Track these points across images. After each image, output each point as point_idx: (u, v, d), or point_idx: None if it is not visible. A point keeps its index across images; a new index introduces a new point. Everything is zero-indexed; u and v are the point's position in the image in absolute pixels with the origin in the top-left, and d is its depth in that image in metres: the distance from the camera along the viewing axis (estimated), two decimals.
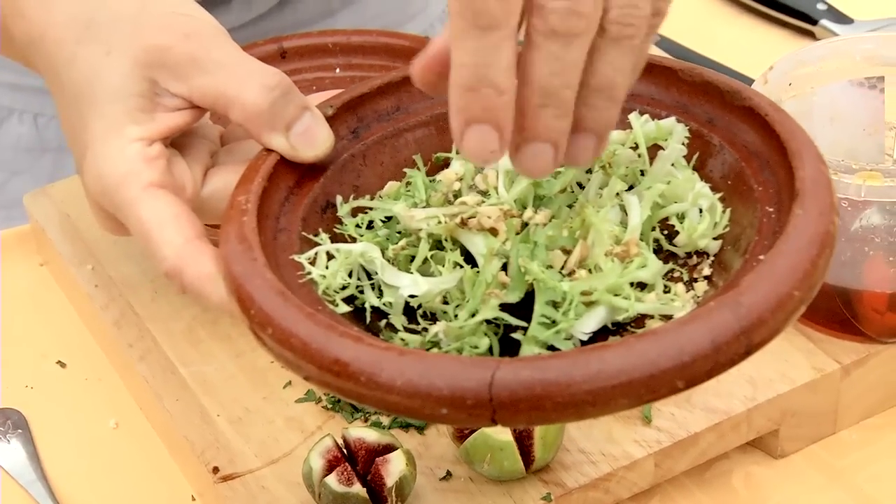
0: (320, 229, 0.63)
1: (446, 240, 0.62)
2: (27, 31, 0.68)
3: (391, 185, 0.66)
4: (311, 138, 0.63)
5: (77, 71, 0.65)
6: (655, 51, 1.10)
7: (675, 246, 0.62)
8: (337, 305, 0.59)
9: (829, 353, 0.83)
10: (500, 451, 0.76)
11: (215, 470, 0.80)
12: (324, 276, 0.60)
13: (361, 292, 0.61)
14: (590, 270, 0.59)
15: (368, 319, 0.61)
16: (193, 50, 0.63)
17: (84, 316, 0.95)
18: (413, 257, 0.62)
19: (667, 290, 0.60)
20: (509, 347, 0.58)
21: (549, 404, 0.52)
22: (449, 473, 0.79)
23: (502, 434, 0.76)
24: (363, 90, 0.67)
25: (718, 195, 0.62)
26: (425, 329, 0.60)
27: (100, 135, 0.64)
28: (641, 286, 0.59)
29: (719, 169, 0.63)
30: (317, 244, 0.62)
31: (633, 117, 0.64)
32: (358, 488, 0.75)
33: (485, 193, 0.64)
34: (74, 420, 0.90)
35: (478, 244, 0.61)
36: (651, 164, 0.63)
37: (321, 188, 0.64)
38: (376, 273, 0.61)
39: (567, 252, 0.59)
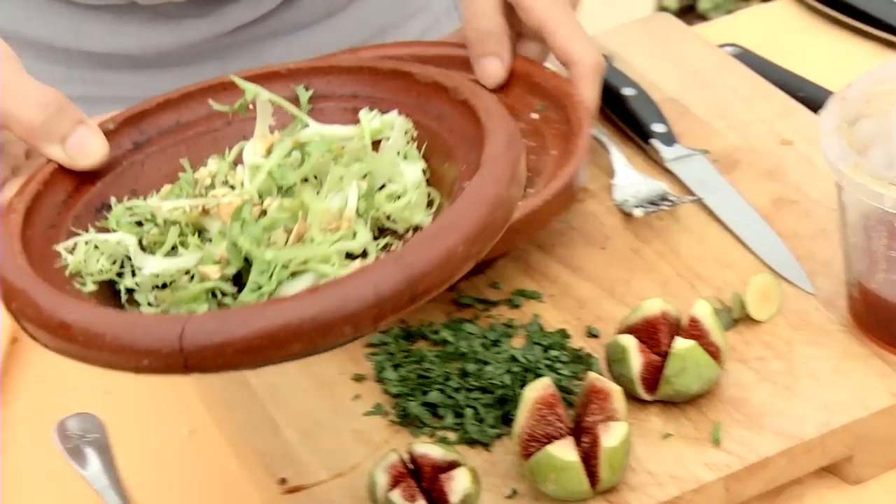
0: (89, 226, 0.73)
1: (187, 226, 0.72)
2: None
3: (166, 188, 0.76)
4: (85, 149, 0.73)
5: None
6: (729, 64, 1.09)
7: (394, 223, 0.72)
8: (85, 285, 0.69)
9: None
10: (565, 471, 0.76)
11: (282, 481, 0.81)
12: (79, 262, 0.70)
13: (122, 276, 0.71)
14: (307, 244, 0.68)
15: (124, 298, 0.70)
16: None
17: None
18: (164, 243, 0.71)
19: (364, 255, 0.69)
20: None
21: (230, 350, 0.60)
22: (514, 492, 0.79)
23: (567, 454, 0.76)
24: (145, 107, 0.78)
25: (423, 174, 0.73)
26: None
27: None
28: (354, 257, 0.69)
29: (444, 154, 0.73)
30: (79, 234, 0.72)
31: (362, 114, 0.76)
32: None
33: (233, 188, 0.74)
34: (150, 427, 0.91)
35: (213, 228, 0.72)
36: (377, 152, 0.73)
37: (97, 192, 0.75)
38: (133, 259, 0.71)
39: (291, 231, 0.69)
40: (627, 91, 1.08)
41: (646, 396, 0.83)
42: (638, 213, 0.97)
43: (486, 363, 0.86)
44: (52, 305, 0.64)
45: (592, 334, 0.89)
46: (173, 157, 0.78)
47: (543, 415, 0.78)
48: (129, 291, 0.71)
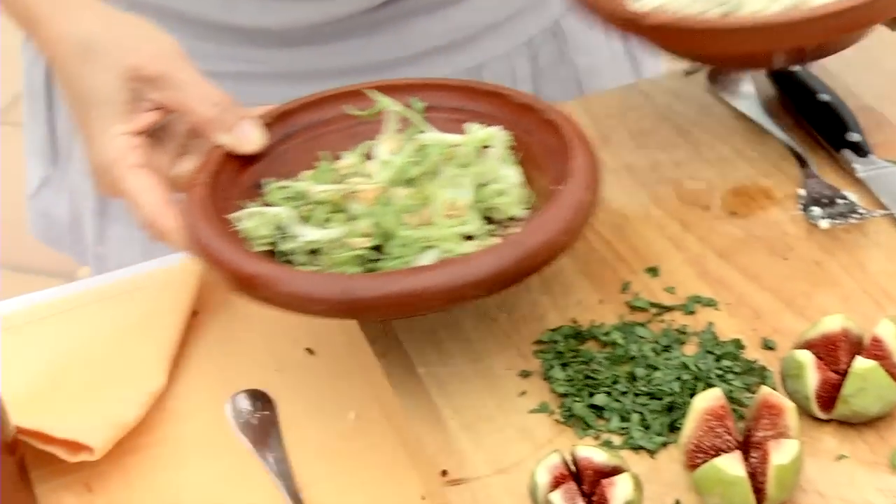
0: (254, 200, 0.90)
1: (337, 206, 0.89)
2: (46, 54, 0.94)
3: (305, 172, 0.93)
4: (248, 137, 0.91)
5: (82, 82, 0.90)
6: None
7: (496, 213, 0.89)
8: (255, 246, 0.87)
9: None
10: (732, 486, 0.74)
11: (444, 473, 0.81)
12: (250, 229, 0.87)
13: (277, 241, 0.87)
14: (432, 227, 0.86)
15: (281, 258, 0.87)
16: (161, 69, 0.89)
17: None
18: (315, 217, 0.89)
19: (489, 242, 0.86)
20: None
21: (385, 303, 0.79)
22: (678, 502, 0.77)
23: (735, 468, 0.74)
24: (291, 107, 0.95)
25: (522, 176, 0.90)
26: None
27: (97, 130, 0.89)
28: (470, 239, 0.87)
29: (533, 162, 0.91)
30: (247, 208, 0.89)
31: (468, 126, 0.92)
32: None
33: (368, 176, 0.91)
34: (317, 407, 0.92)
35: (356, 208, 0.89)
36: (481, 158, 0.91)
37: (256, 173, 0.92)
38: (288, 228, 0.88)
39: (418, 215, 0.87)
40: (822, 97, 1.05)
41: (821, 415, 0.80)
42: (824, 224, 0.94)
43: (655, 368, 0.85)
44: (241, 261, 0.83)
45: (768, 346, 0.86)
46: (312, 149, 0.94)
47: (712, 426, 0.76)
48: (284, 254, 0.87)
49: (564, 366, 0.86)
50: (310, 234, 0.87)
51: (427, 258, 0.85)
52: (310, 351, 0.96)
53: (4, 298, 1.03)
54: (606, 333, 0.88)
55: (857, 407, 0.78)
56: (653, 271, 0.93)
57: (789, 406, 0.77)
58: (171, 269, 1.02)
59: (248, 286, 0.83)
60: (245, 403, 0.92)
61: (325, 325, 0.97)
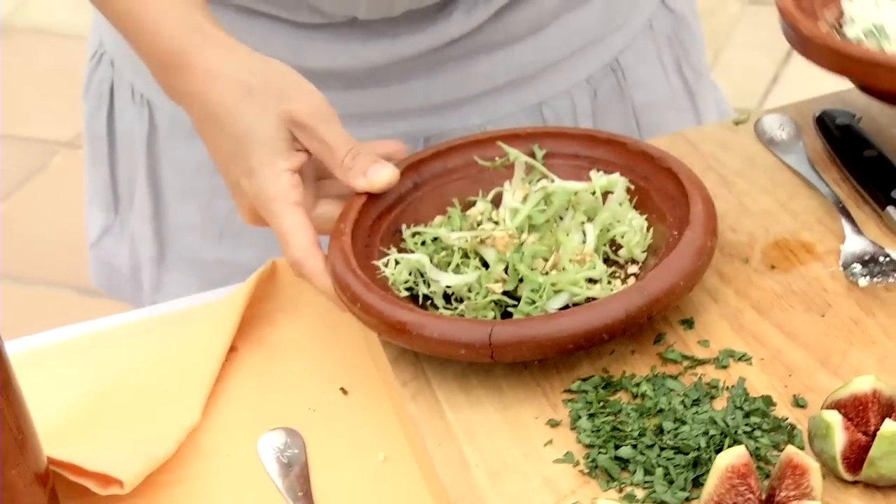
0: (391, 246, 0.97)
1: (470, 252, 0.95)
2: (190, 87, 0.96)
3: (438, 219, 0.99)
4: (381, 176, 0.96)
5: (243, 119, 0.94)
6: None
7: (618, 256, 0.95)
8: (400, 292, 0.93)
9: None
10: None
11: None
12: (392, 274, 0.94)
13: (416, 285, 0.94)
14: (560, 271, 0.93)
15: (420, 301, 0.93)
16: (314, 119, 0.94)
17: (370, 348, 0.98)
18: (450, 262, 0.95)
19: (610, 284, 0.93)
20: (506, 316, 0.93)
21: (525, 347, 0.86)
22: None
23: None
24: (422, 156, 1.00)
25: (645, 221, 0.96)
26: (456, 308, 0.93)
27: (260, 164, 0.94)
28: (594, 281, 0.93)
29: (649, 207, 0.97)
30: (388, 254, 0.95)
31: (592, 174, 0.98)
32: None
33: (497, 223, 0.97)
34: (348, 447, 0.93)
35: (489, 254, 0.95)
36: (604, 203, 0.97)
37: (393, 220, 0.98)
38: (426, 273, 0.94)
39: (547, 260, 0.94)
40: (869, 152, 1.04)
41: (847, 477, 0.79)
42: (863, 282, 0.93)
43: (683, 422, 0.84)
44: (390, 309, 0.89)
45: (799, 404, 0.86)
46: (443, 195, 1.00)
47: (734, 484, 0.76)
48: (426, 298, 0.93)
49: (592, 416, 0.86)
50: (446, 280, 0.93)
51: (558, 302, 0.91)
52: (343, 391, 0.97)
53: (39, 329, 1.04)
54: (637, 385, 0.88)
55: (885, 470, 0.77)
56: (688, 323, 0.93)
57: (814, 467, 0.76)
58: (213, 304, 1.04)
59: (397, 332, 0.88)
60: (277, 441, 0.93)
61: (360, 366, 0.98)
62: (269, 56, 0.97)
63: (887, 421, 0.78)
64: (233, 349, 1.00)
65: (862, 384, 0.81)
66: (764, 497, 0.77)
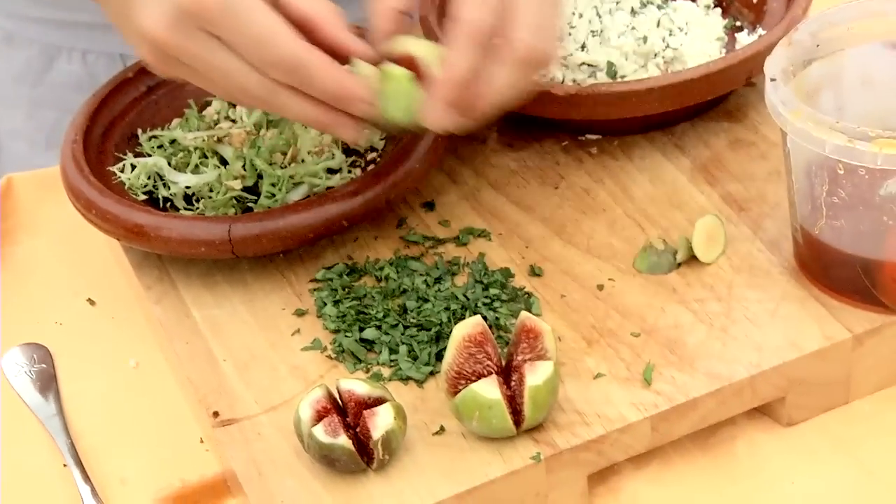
0: (127, 151, 0.96)
1: (208, 151, 0.95)
2: None
3: (175, 121, 0.98)
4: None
5: None
6: None
7: (358, 145, 0.95)
8: (138, 196, 0.93)
9: (842, 322, 0.81)
10: (489, 409, 0.76)
11: (215, 414, 0.81)
12: (129, 179, 0.93)
13: (156, 188, 0.93)
14: (299, 164, 0.94)
15: (161, 204, 0.93)
16: None
17: (113, 255, 0.97)
18: (188, 164, 0.94)
19: (350, 173, 0.94)
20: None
21: (265, 240, 0.86)
22: (442, 428, 0.79)
23: (491, 392, 0.76)
24: None
25: None
26: (197, 207, 0.93)
27: None
28: (334, 171, 0.94)
29: None
30: (123, 160, 0.94)
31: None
32: (344, 440, 0.75)
33: (234, 122, 0.97)
34: (97, 358, 0.92)
35: (227, 152, 0.95)
36: None
37: (127, 125, 0.97)
38: (165, 175, 0.93)
39: (286, 154, 0.94)
40: None
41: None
42: None
43: (426, 300, 0.86)
44: (126, 213, 0.88)
45: (536, 273, 0.89)
46: (179, 97, 0.98)
47: (472, 353, 0.78)
48: (166, 200, 0.93)
49: (337, 302, 0.87)
50: (185, 180, 0.92)
51: (297, 194, 0.92)
52: (91, 302, 0.96)
53: None
54: (381, 269, 0.90)
55: (388, 113, 0.82)
56: (429, 206, 0.95)
57: (546, 329, 0.79)
58: None
59: (136, 235, 0.87)
60: (21, 358, 0.91)
61: (106, 276, 0.97)
62: None
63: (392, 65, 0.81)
64: None
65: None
66: (504, 363, 0.79)
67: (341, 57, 0.82)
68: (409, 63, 0.82)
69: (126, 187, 0.93)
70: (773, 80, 0.82)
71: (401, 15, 0.84)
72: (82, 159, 0.92)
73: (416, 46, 0.83)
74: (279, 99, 0.81)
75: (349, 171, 0.94)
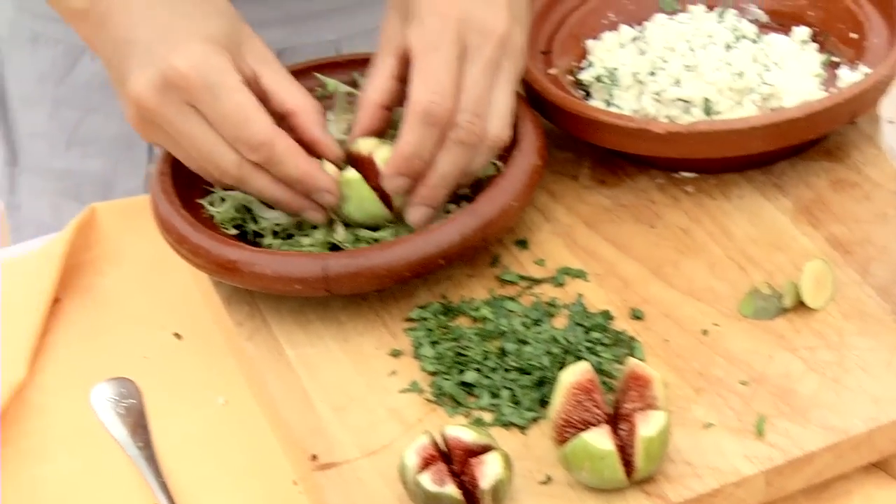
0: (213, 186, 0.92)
1: None
2: None
3: None
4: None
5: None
6: None
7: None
8: (228, 230, 0.91)
9: None
10: (601, 460, 0.74)
11: (314, 457, 0.79)
12: (219, 212, 0.91)
13: (245, 222, 0.92)
14: None
15: (251, 238, 0.91)
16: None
17: (201, 290, 0.95)
18: None
19: (447, 212, 0.91)
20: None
21: (361, 278, 0.85)
22: (549, 478, 0.77)
23: (603, 442, 0.74)
24: None
25: None
26: (290, 245, 0.90)
27: (222, 34, 0.86)
28: None
29: None
30: (212, 192, 0.92)
31: None
32: (451, 489, 0.73)
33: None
34: (185, 394, 0.90)
35: None
36: None
37: None
38: (253, 209, 0.91)
39: None
40: None
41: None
42: None
43: (525, 343, 0.84)
44: (219, 248, 0.86)
45: (636, 316, 0.87)
46: None
47: (580, 400, 0.76)
48: (256, 235, 0.91)
49: (434, 343, 0.85)
50: (275, 217, 0.91)
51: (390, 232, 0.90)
52: (177, 336, 0.94)
53: None
54: (476, 309, 0.88)
55: (346, 211, 0.89)
56: (522, 244, 0.93)
57: (656, 377, 0.77)
58: (31, 255, 0.99)
59: (228, 271, 0.86)
60: (111, 392, 0.90)
61: (193, 309, 0.95)
62: None
63: (349, 169, 0.88)
64: (56, 301, 0.96)
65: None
66: (610, 411, 0.77)
67: (313, 154, 0.88)
68: (368, 162, 0.88)
69: (216, 221, 0.91)
70: (891, 122, 0.79)
71: (385, 111, 0.90)
72: (172, 192, 0.91)
73: (373, 146, 0.89)
74: (250, 177, 0.86)
75: (446, 210, 0.92)
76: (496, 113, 0.87)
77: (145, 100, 0.85)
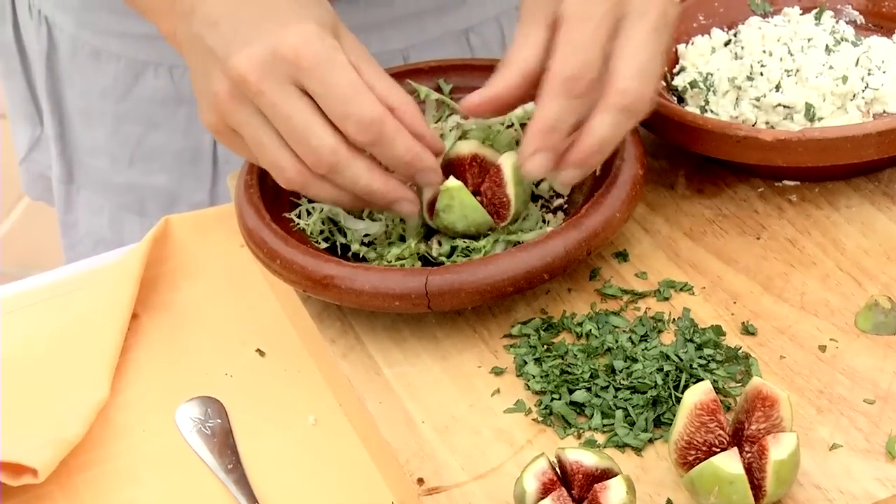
0: (301, 196, 0.89)
1: None
2: None
3: None
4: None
5: None
6: None
7: (540, 190, 0.91)
8: (319, 244, 0.88)
9: None
10: (730, 484, 0.70)
11: (420, 481, 0.76)
12: (308, 225, 0.88)
13: (333, 235, 0.89)
14: None
15: (340, 251, 0.88)
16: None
17: (285, 304, 0.92)
18: (363, 210, 0.89)
19: (545, 222, 0.89)
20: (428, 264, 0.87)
21: (463, 293, 0.81)
22: (669, 502, 0.73)
23: (733, 466, 0.70)
24: None
25: None
26: (380, 255, 0.88)
27: (303, 19, 0.80)
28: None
29: None
30: (299, 204, 0.89)
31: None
32: None
33: None
34: (273, 413, 0.86)
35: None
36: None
37: None
38: (340, 221, 0.88)
39: None
40: None
41: (430, 222, 0.87)
42: None
43: (634, 360, 0.80)
44: (314, 264, 0.83)
45: (749, 332, 0.83)
46: None
47: (704, 422, 0.72)
48: (344, 248, 0.88)
49: (538, 361, 0.82)
50: (363, 228, 0.88)
51: (497, 246, 0.87)
52: (260, 352, 0.90)
53: None
54: (579, 324, 0.84)
55: (447, 221, 0.85)
56: (622, 256, 0.89)
57: (783, 397, 0.73)
58: (106, 269, 0.96)
59: (324, 287, 0.82)
60: (196, 411, 0.86)
61: (274, 325, 0.92)
62: None
63: (451, 178, 0.85)
64: (134, 317, 0.93)
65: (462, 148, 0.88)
66: (731, 432, 0.73)
67: None
68: (470, 162, 0.87)
69: (308, 234, 0.88)
70: None
71: (526, 83, 0.83)
72: (261, 205, 0.87)
73: (475, 147, 0.88)
74: (346, 164, 0.81)
75: (544, 220, 0.89)
76: (649, 73, 0.81)
77: (249, 73, 0.79)
